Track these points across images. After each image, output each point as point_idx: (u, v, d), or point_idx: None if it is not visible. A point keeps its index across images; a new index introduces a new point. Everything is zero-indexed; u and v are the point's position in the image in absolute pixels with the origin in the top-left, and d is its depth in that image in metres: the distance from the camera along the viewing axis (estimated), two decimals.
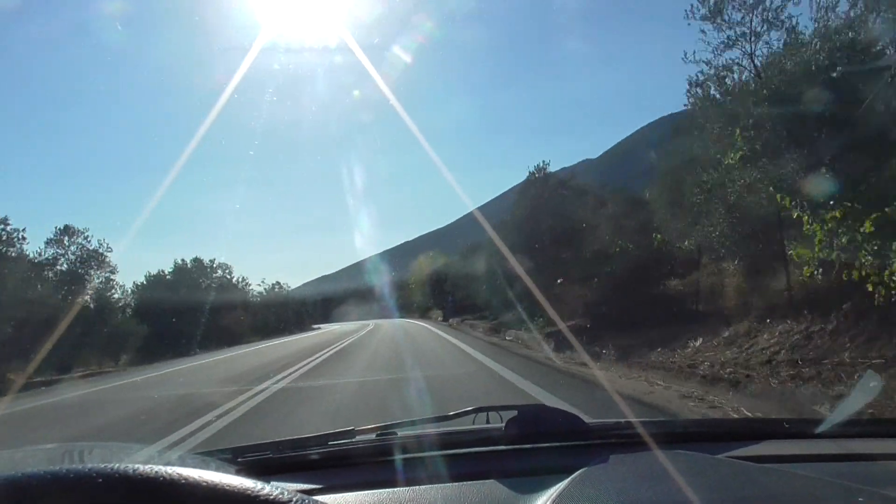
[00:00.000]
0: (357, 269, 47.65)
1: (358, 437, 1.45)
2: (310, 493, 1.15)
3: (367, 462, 1.35)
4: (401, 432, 1.47)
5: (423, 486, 1.14)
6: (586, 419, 1.46)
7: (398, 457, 1.33)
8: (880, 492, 0.98)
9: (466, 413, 1.57)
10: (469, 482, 1.14)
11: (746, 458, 1.26)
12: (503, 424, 1.39)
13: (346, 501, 1.09)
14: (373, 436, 1.47)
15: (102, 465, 0.52)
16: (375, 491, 1.13)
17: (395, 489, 1.14)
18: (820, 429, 1.46)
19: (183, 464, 0.63)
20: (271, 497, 0.52)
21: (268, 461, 1.36)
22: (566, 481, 1.03)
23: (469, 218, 41.80)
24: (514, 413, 1.41)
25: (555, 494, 0.97)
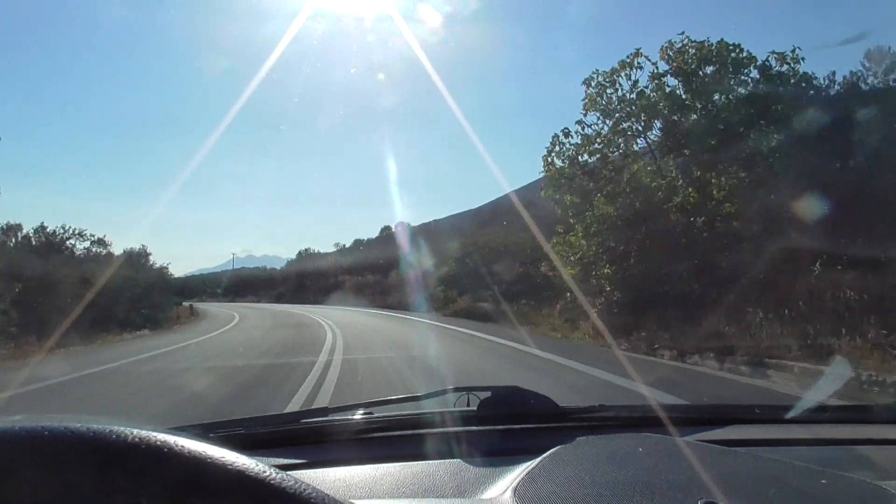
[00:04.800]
0: (381, 245, 42.29)
1: (331, 416, 1.48)
2: (288, 467, 1.20)
3: (339, 440, 1.37)
4: (375, 411, 1.49)
5: (391, 464, 1.17)
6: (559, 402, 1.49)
7: (370, 435, 1.40)
8: (844, 474, 1.00)
9: (441, 393, 1.58)
10: (438, 461, 1.19)
11: (715, 441, 1.28)
12: (476, 405, 1.45)
13: (317, 477, 1.13)
14: (347, 414, 1.49)
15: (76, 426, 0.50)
16: (345, 468, 1.18)
17: (364, 466, 1.18)
18: (790, 414, 1.52)
19: None
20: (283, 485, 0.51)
21: (239, 437, 1.37)
22: (534, 461, 1.05)
23: (501, 201, 38.10)
24: (488, 394, 1.46)
25: (522, 474, 0.99)
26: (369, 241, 47.62)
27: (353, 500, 0.68)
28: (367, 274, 41.18)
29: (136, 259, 31.50)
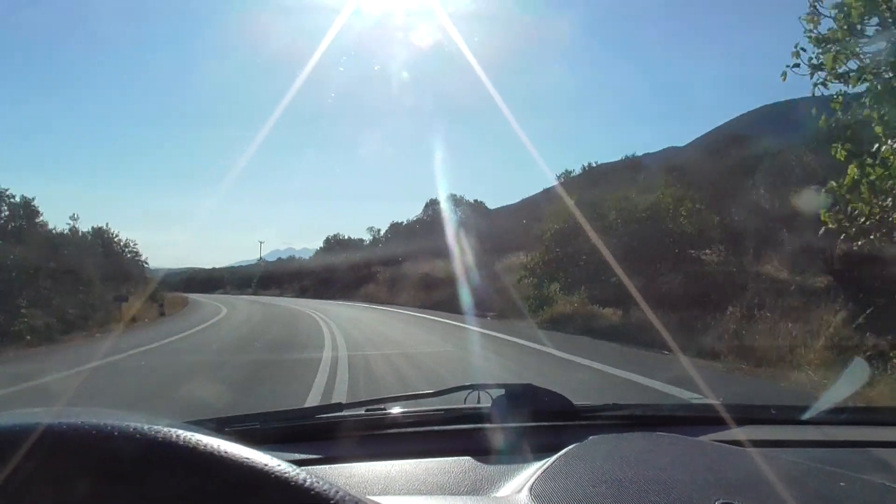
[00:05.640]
0: (425, 229, 30.99)
1: (345, 412, 1.47)
2: (303, 462, 1.17)
3: (353, 436, 1.35)
4: (388, 408, 1.46)
5: (406, 461, 1.17)
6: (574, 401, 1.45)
7: (384, 431, 1.40)
8: (862, 477, 0.98)
9: (455, 390, 1.58)
10: (453, 458, 1.17)
11: (730, 441, 1.26)
12: (490, 403, 1.42)
13: (332, 473, 1.12)
14: (361, 410, 1.47)
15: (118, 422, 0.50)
16: (359, 464, 1.17)
17: (379, 463, 1.17)
18: (806, 415, 1.50)
19: None
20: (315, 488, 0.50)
21: (254, 432, 1.36)
22: (549, 459, 1.04)
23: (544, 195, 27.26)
24: (502, 391, 1.44)
25: (538, 473, 0.98)
26: (410, 224, 37.57)
27: (368, 497, 0.65)
28: (406, 263, 31.43)
29: (77, 238, 22.48)
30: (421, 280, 26.45)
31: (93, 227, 25.96)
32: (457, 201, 29.57)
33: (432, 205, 30.16)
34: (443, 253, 29.18)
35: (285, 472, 0.50)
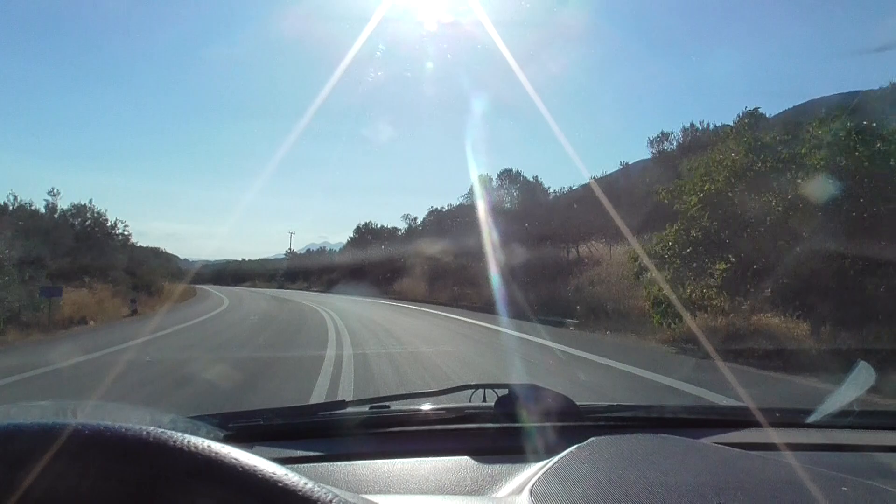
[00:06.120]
0: (467, 215, 25.13)
1: (349, 409, 1.45)
2: (305, 459, 1.18)
3: (355, 433, 1.33)
4: (392, 406, 1.45)
5: (408, 460, 1.15)
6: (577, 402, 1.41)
7: (387, 430, 1.37)
8: (865, 481, 0.96)
9: (459, 389, 1.58)
10: (455, 457, 1.16)
11: (733, 444, 1.24)
12: (493, 402, 1.40)
13: (333, 471, 1.11)
14: (365, 408, 1.45)
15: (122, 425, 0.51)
16: (361, 462, 1.15)
17: (380, 461, 1.15)
18: (810, 419, 1.48)
19: (175, 428, 0.60)
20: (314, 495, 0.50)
21: (257, 428, 1.34)
22: (551, 460, 1.02)
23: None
24: (506, 391, 1.41)
25: (539, 474, 0.96)
26: (452, 210, 31.85)
27: (368, 496, 0.64)
28: (448, 255, 25.87)
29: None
30: (467, 275, 20.85)
31: (73, 204, 21.44)
32: (512, 178, 23.78)
33: (482, 184, 24.40)
34: (495, 243, 23.70)
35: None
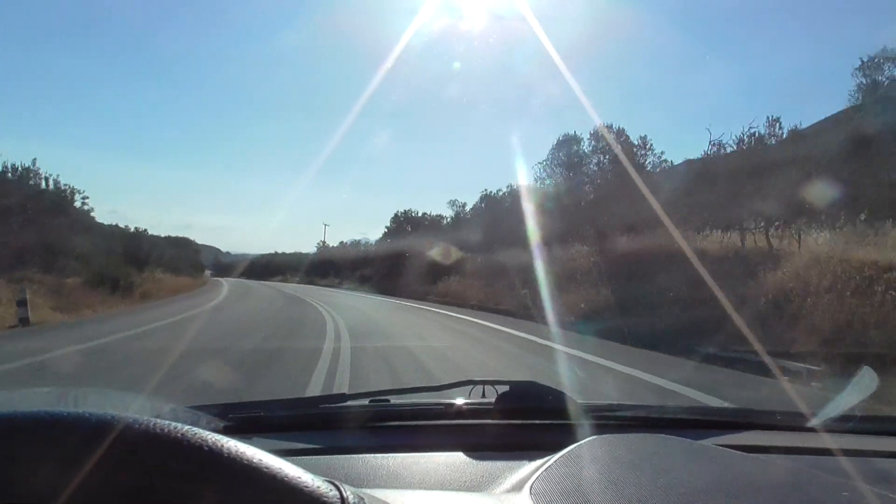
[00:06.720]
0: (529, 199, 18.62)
1: (349, 402, 1.46)
2: (305, 452, 1.20)
3: (355, 427, 1.34)
4: (392, 400, 1.46)
5: (407, 454, 1.15)
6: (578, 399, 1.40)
7: (387, 423, 1.37)
8: (865, 486, 0.94)
9: (459, 385, 1.55)
10: (454, 453, 1.16)
11: (733, 446, 1.22)
12: (493, 399, 1.39)
13: (333, 464, 1.11)
14: (364, 401, 1.46)
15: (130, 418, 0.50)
16: (360, 456, 1.15)
17: (380, 455, 1.15)
18: (812, 422, 1.46)
19: (175, 417, 0.60)
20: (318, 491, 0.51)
21: (257, 419, 1.35)
22: (551, 458, 1.01)
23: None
24: (506, 388, 1.41)
25: (539, 471, 0.95)
26: (514, 191, 25.37)
27: (367, 490, 0.66)
28: (506, 247, 19.52)
29: None
30: (549, 274, 14.44)
31: (8, 164, 16.06)
32: (617, 136, 16.79)
33: (561, 147, 17.80)
34: (566, 235, 17.22)
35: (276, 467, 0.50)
